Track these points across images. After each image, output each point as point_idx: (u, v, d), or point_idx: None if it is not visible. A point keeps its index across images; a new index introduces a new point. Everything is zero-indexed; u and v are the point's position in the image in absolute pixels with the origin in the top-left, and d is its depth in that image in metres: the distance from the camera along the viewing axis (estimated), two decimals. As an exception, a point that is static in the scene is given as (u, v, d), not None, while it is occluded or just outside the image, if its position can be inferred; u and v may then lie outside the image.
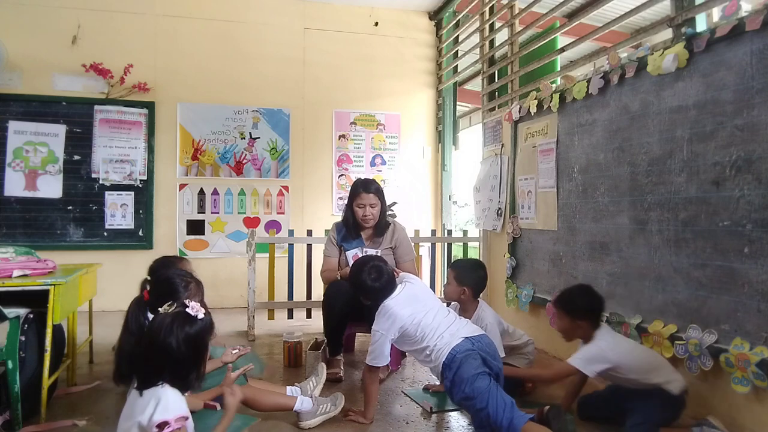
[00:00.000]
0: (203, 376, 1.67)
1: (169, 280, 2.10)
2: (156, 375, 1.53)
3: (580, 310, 2.18)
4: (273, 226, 5.04)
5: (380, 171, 5.39)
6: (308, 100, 5.22)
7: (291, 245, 4.11)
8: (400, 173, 5.45)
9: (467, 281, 2.54)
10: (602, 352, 2.09)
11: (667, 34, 2.52)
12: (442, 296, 2.69)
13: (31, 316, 2.17)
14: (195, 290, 2.11)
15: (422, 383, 2.71)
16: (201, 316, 1.60)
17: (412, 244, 3.22)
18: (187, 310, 1.59)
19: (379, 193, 2.98)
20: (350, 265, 2.90)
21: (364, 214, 2.95)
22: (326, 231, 3.58)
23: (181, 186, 4.91)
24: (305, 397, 2.21)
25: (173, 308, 1.61)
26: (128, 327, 1.99)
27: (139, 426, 1.47)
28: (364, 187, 2.97)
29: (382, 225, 3.02)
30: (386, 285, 2.20)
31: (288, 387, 2.33)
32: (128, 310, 2.03)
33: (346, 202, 3.09)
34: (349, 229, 3.03)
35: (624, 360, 2.08)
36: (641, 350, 2.23)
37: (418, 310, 2.16)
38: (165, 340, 1.52)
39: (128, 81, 4.68)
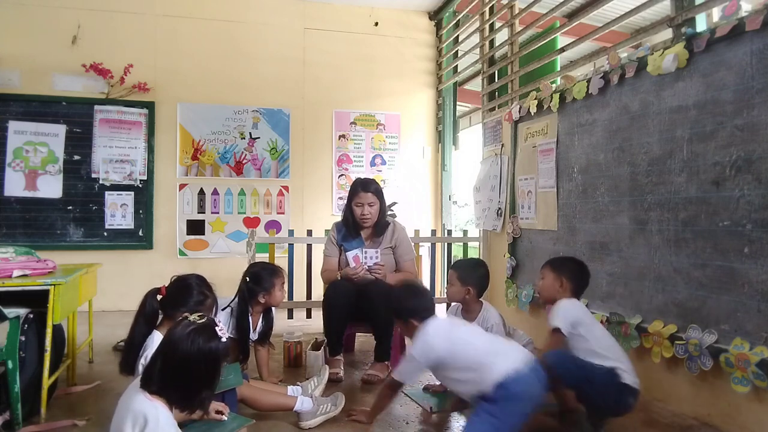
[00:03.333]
0: (208, 405, 1.63)
1: (188, 287, 2.08)
2: (161, 376, 1.49)
3: (567, 269, 2.27)
4: (273, 226, 5.04)
5: (380, 171, 5.39)
6: (308, 100, 5.22)
7: (291, 245, 4.11)
8: (400, 173, 5.45)
9: (470, 280, 2.53)
10: (563, 307, 2.14)
11: (667, 34, 2.52)
12: (445, 297, 2.68)
13: (31, 316, 2.17)
14: (208, 307, 2.07)
15: (422, 383, 2.70)
16: (224, 339, 1.59)
17: (412, 243, 3.22)
18: (216, 328, 1.57)
19: (377, 193, 2.99)
20: (349, 266, 2.91)
21: (362, 213, 2.95)
22: (326, 231, 3.58)
23: (181, 186, 4.91)
24: (305, 397, 2.20)
25: (202, 321, 1.59)
26: (144, 312, 2.00)
27: None
28: (362, 186, 2.98)
29: (382, 224, 3.03)
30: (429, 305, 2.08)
31: (289, 387, 2.33)
32: (144, 299, 2.03)
33: (345, 201, 3.10)
34: (348, 228, 3.04)
35: (585, 319, 2.11)
36: (603, 328, 2.24)
37: (457, 341, 1.94)
38: (187, 347, 1.50)
39: (128, 81, 4.68)
